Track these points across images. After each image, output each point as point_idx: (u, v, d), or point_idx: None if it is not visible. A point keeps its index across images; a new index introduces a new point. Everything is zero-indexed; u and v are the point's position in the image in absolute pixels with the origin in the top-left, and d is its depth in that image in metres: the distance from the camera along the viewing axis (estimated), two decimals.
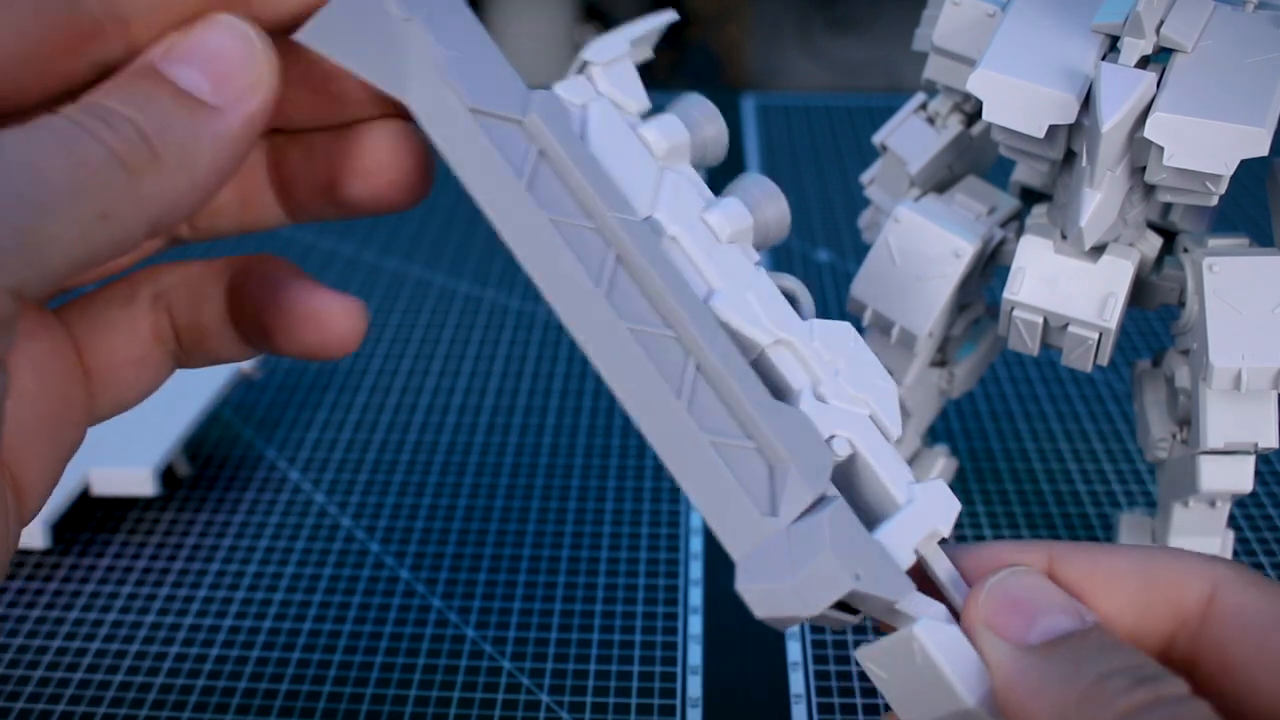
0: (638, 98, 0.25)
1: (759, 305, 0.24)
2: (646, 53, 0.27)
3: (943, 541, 0.23)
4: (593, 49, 0.25)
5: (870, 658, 0.23)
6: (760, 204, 0.25)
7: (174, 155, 0.22)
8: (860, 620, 0.23)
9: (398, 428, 0.52)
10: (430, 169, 0.26)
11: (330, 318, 0.26)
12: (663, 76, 1.81)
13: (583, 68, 0.25)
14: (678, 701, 0.38)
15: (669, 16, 0.26)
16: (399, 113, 0.25)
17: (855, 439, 0.23)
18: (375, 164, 0.26)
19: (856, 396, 0.24)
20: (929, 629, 0.22)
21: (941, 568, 0.23)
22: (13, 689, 0.39)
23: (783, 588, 0.21)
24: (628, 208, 0.24)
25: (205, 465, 0.50)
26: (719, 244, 0.24)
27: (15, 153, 0.20)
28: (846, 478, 0.24)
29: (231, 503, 0.48)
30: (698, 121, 0.25)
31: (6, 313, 0.19)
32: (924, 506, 0.23)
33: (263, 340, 0.27)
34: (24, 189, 0.19)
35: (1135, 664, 0.20)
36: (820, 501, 0.23)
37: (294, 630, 0.41)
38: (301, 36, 0.23)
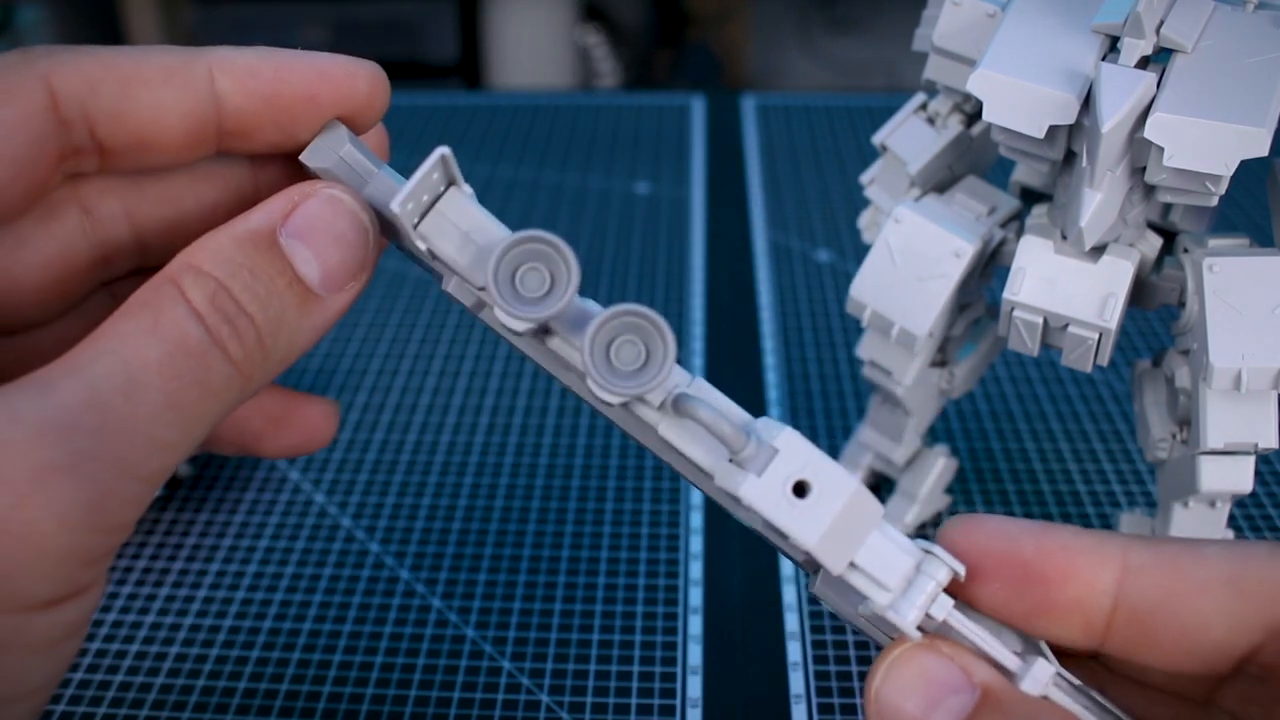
0: (471, 279, 0.24)
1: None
2: (453, 173, 0.25)
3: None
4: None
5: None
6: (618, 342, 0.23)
7: (281, 350, 0.23)
8: None
9: (398, 428, 0.52)
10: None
11: (310, 421, 0.29)
12: (663, 77, 1.81)
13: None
14: (678, 701, 0.38)
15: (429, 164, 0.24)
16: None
17: None
18: None
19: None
20: None
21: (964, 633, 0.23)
22: None
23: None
24: (558, 366, 0.25)
25: (205, 465, 0.50)
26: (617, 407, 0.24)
27: (158, 388, 0.21)
28: None
29: (231, 503, 0.48)
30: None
31: (132, 517, 0.22)
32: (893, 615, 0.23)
33: (245, 447, 0.29)
34: (164, 433, 0.21)
35: None
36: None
37: (294, 630, 0.41)
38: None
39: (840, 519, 0.21)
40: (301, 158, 0.25)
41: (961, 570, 0.22)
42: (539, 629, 0.41)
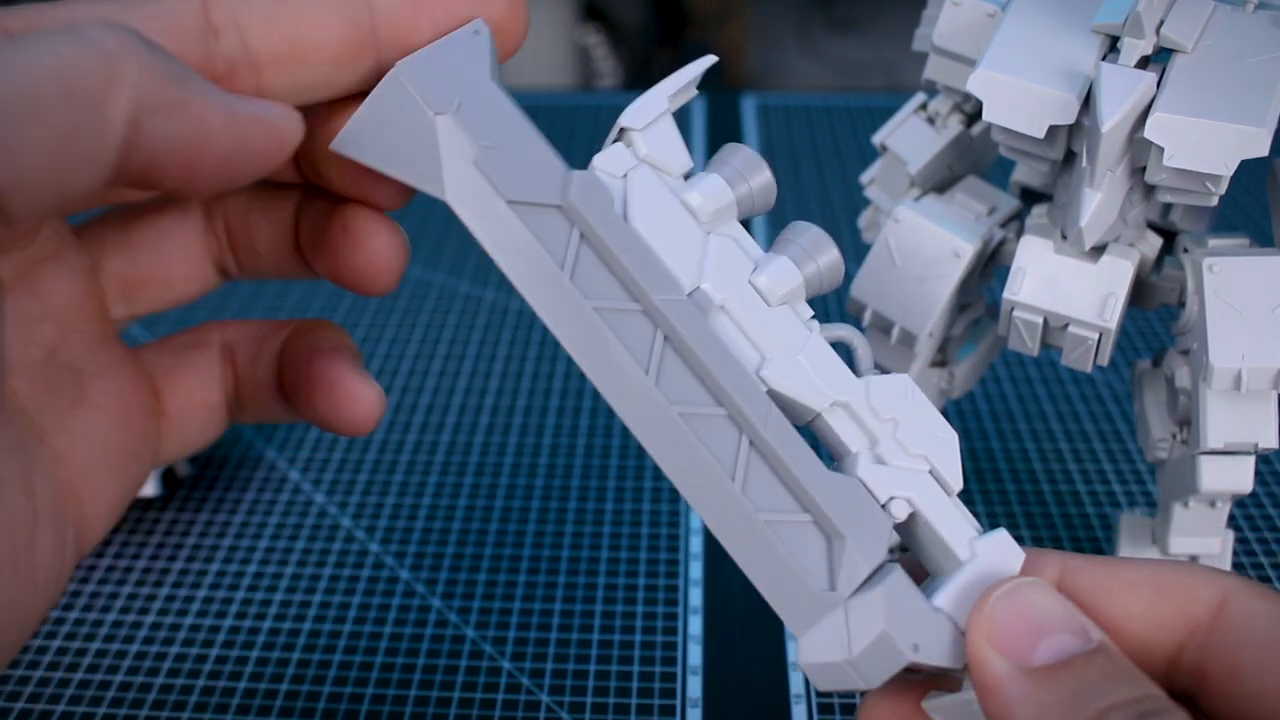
0: (679, 158, 0.25)
1: (812, 369, 0.24)
2: (689, 95, 0.26)
3: None
4: (630, 114, 0.24)
5: (936, 710, 0.23)
6: (810, 255, 0.24)
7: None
8: (925, 679, 0.23)
9: (398, 428, 0.52)
10: (400, 267, 0.26)
11: (348, 398, 0.26)
12: (663, 77, 1.81)
13: (621, 134, 0.25)
14: (678, 701, 0.38)
15: (707, 62, 0.25)
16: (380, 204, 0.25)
17: (915, 498, 0.23)
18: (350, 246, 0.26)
19: (915, 453, 0.24)
20: None
21: None
22: (13, 689, 0.39)
23: (842, 663, 0.22)
24: (673, 284, 0.23)
25: (205, 465, 0.50)
26: (769, 308, 0.24)
27: None
28: (910, 534, 0.24)
29: (231, 503, 0.48)
30: (741, 175, 0.25)
31: None
32: (985, 562, 0.23)
33: (291, 404, 0.27)
34: None
35: (1138, 696, 0.20)
36: (879, 570, 0.23)
37: (294, 630, 0.41)
38: (336, 146, 0.23)
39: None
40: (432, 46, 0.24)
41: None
42: (539, 629, 0.41)
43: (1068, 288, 0.34)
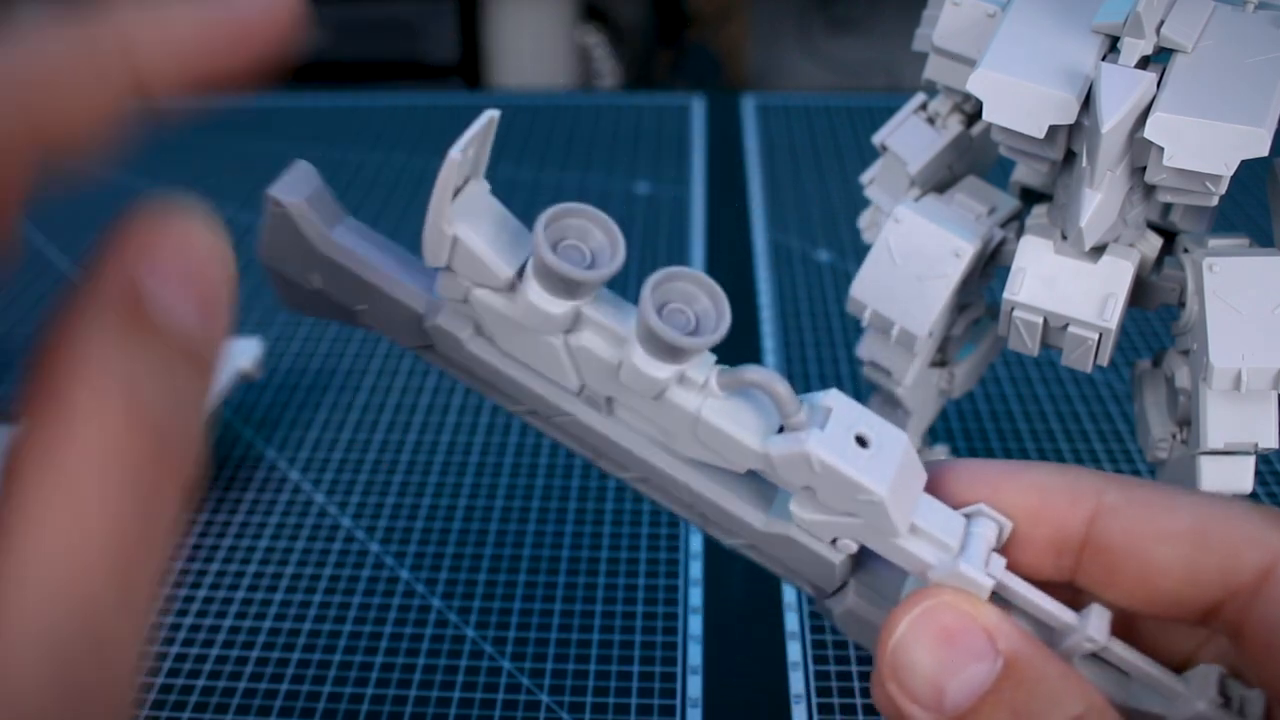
0: (496, 271, 0.22)
1: (707, 450, 0.23)
2: (484, 159, 0.23)
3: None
4: (427, 249, 0.22)
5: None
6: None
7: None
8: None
9: (398, 428, 0.52)
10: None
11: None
12: (663, 77, 1.81)
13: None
14: (678, 701, 0.38)
15: (492, 113, 0.22)
16: None
17: (856, 540, 0.23)
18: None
19: (841, 520, 0.22)
20: None
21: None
22: None
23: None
24: (559, 394, 0.23)
25: (205, 465, 0.50)
26: (651, 401, 0.22)
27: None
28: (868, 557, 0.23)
29: (231, 503, 0.48)
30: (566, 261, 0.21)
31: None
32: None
33: None
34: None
35: None
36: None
37: (294, 630, 0.41)
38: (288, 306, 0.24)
39: (900, 470, 0.21)
40: (270, 191, 0.23)
41: (1009, 526, 0.22)
42: (539, 629, 0.41)
43: (1068, 288, 0.34)
